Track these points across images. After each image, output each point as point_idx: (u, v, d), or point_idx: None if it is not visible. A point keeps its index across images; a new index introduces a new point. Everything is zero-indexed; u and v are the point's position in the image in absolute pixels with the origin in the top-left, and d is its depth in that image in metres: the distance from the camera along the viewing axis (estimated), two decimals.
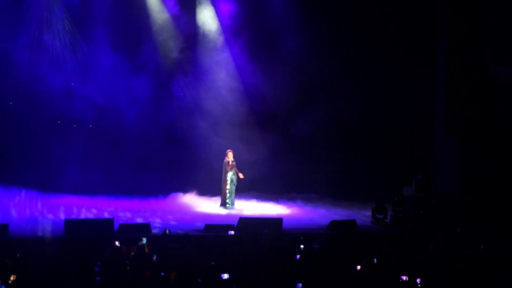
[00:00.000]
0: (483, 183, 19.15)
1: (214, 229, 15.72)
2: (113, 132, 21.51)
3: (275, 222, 16.42)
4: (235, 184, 20.05)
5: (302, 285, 10.84)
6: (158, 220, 17.54)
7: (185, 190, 21.33)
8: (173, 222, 17.52)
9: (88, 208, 18.86)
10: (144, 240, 13.00)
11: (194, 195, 21.19)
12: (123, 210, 18.91)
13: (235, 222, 16.25)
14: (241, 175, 20.02)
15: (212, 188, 21.32)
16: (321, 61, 22.37)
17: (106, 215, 18.12)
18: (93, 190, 20.33)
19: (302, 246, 13.13)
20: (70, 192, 20.08)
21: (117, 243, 12.72)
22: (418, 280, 11.27)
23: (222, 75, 22.65)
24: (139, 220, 17.41)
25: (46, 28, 20.89)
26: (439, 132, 20.21)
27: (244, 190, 21.17)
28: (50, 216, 17.56)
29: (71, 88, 20.95)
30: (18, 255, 12.16)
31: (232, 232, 15.08)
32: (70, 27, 21.13)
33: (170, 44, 22.26)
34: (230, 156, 20.08)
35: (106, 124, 21.49)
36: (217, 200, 20.60)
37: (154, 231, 15.93)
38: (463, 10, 19.83)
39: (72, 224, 15.42)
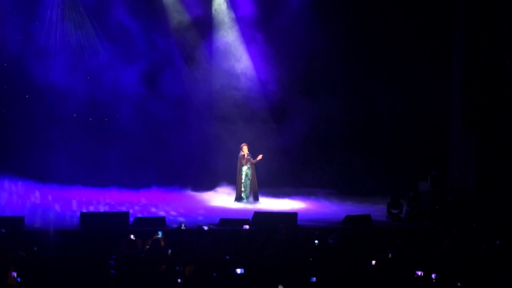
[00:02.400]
0: (499, 179, 19.05)
1: (229, 223, 15.73)
2: (107, 125, 21.62)
3: (290, 216, 16.41)
4: (250, 178, 20.03)
5: (317, 279, 10.83)
6: (173, 213, 17.63)
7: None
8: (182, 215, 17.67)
9: (94, 201, 19.19)
10: (160, 234, 13.04)
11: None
12: (137, 203, 19.05)
13: (250, 216, 16.26)
14: (259, 157, 19.93)
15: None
16: (336, 56, 22.33)
17: (123, 208, 18.26)
18: (87, 182, 20.65)
19: (317, 241, 13.11)
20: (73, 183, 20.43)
21: (132, 236, 12.76)
22: (433, 276, 11.23)
23: (231, 67, 22.67)
24: (153, 210, 17.54)
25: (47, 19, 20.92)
26: (456, 127, 20.11)
27: (259, 185, 21.15)
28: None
29: (75, 81, 21.05)
30: (35, 249, 12.20)
31: (247, 227, 15.11)
32: (78, 17, 21.12)
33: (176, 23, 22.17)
34: (244, 150, 20.04)
35: (100, 117, 21.58)
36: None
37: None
38: (479, 4, 19.71)
39: (88, 217, 15.48)
